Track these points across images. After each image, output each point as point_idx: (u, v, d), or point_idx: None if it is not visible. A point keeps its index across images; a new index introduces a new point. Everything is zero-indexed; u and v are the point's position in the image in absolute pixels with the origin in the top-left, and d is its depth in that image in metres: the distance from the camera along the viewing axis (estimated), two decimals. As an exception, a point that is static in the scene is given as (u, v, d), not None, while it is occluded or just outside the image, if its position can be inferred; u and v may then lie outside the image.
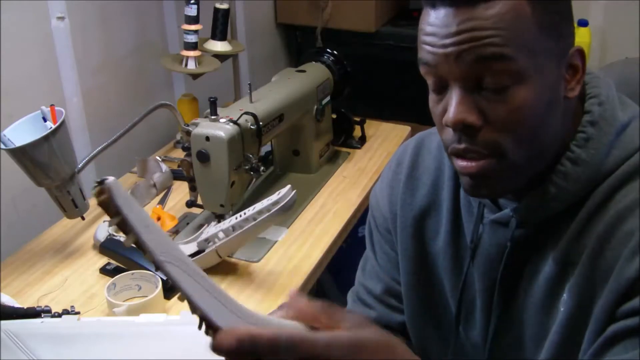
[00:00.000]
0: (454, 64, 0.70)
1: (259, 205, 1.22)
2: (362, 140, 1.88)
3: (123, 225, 0.46)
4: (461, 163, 0.74)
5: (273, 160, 1.74)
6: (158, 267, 0.48)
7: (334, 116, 1.82)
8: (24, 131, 1.27)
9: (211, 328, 0.49)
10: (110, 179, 0.46)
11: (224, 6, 1.78)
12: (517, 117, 0.70)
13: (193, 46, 1.69)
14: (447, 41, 0.69)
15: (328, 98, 1.74)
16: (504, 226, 0.80)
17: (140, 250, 0.47)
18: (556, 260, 0.76)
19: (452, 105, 0.71)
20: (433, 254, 0.90)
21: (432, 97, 0.76)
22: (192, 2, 1.65)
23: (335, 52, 1.79)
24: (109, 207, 0.46)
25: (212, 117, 1.34)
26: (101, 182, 0.46)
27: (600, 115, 0.75)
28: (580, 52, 0.75)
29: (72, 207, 1.35)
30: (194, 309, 0.49)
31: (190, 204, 1.44)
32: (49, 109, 1.30)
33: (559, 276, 0.76)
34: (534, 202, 0.76)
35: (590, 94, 0.77)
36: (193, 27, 1.67)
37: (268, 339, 0.50)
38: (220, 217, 1.38)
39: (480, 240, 0.83)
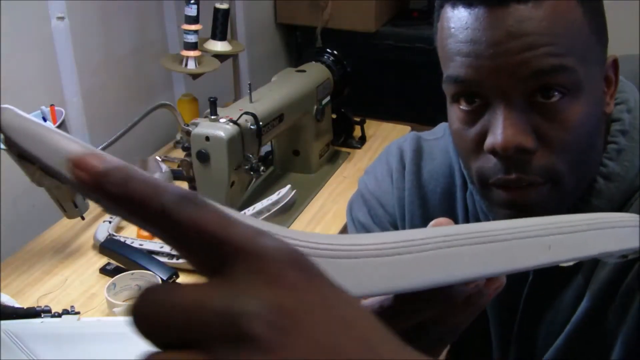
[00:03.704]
0: (504, 78, 0.58)
1: (258, 205, 1.22)
2: (362, 140, 1.88)
3: (25, 157, 0.38)
4: (506, 195, 0.62)
5: (273, 160, 1.74)
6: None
7: (334, 116, 1.81)
8: (24, 131, 1.27)
9: None
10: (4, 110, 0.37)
11: (224, 6, 1.78)
12: (573, 136, 0.60)
13: (193, 46, 1.69)
14: (498, 50, 0.57)
15: (328, 98, 1.74)
16: None
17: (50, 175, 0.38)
18: (580, 280, 0.69)
19: (498, 128, 0.59)
20: None
21: (460, 117, 0.64)
22: (192, 2, 1.65)
23: (335, 52, 1.79)
24: (9, 145, 0.37)
25: (212, 117, 1.34)
26: None
27: (631, 123, 0.67)
28: (615, 63, 0.67)
29: (72, 207, 1.34)
30: None
31: (190, 204, 1.44)
32: (49, 109, 1.30)
33: (582, 292, 0.69)
34: None
35: (616, 99, 0.69)
36: (193, 27, 1.67)
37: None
38: (220, 217, 1.37)
39: None
